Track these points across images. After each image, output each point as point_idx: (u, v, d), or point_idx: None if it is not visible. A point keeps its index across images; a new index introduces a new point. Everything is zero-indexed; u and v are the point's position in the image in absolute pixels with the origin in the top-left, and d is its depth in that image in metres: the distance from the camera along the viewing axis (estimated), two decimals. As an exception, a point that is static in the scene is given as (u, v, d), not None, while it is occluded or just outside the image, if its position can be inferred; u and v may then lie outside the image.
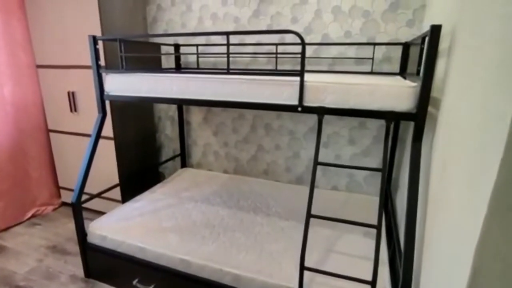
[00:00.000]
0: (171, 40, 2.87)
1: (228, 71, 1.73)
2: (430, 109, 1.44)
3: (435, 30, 1.28)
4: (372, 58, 2.31)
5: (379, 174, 2.55)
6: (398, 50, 2.28)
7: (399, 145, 2.47)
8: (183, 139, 3.10)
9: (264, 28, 2.60)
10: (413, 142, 1.44)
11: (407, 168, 1.58)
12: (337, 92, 1.53)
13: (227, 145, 3.01)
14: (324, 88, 1.54)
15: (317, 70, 2.49)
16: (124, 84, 1.99)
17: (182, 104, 2.96)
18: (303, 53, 1.54)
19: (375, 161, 2.54)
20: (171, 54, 2.80)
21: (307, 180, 2.80)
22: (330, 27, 2.42)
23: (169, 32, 2.92)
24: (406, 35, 2.25)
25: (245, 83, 1.68)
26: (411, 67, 1.81)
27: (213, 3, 2.71)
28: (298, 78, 1.56)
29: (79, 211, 2.02)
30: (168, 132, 3.23)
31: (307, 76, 1.60)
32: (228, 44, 1.71)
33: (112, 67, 2.42)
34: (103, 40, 2.29)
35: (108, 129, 2.59)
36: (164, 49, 2.86)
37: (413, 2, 2.18)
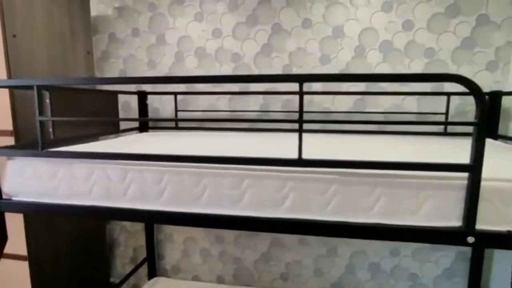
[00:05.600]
0: (132, 86, 1.88)
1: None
2: None
3: None
4: (446, 113, 1.61)
5: (455, 275, 1.76)
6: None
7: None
8: (151, 233, 2.00)
9: (278, 72, 1.78)
10: None
11: None
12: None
13: (221, 239, 1.99)
14: None
15: (360, 131, 1.70)
16: (47, 182, 0.94)
17: (148, 222, 1.93)
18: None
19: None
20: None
21: (348, 287, 1.89)
22: (378, 70, 1.69)
23: (129, 74, 1.95)
24: (488, 81, 1.61)
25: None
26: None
27: (199, 34, 1.84)
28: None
29: None
30: (126, 222, 2.10)
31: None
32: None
33: (27, 143, 1.35)
34: (10, 88, 1.24)
35: (17, 243, 1.44)
36: (121, 99, 1.85)
37: (494, 39, 1.57)
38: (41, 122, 0.92)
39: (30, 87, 0.92)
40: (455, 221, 0.78)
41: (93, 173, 0.94)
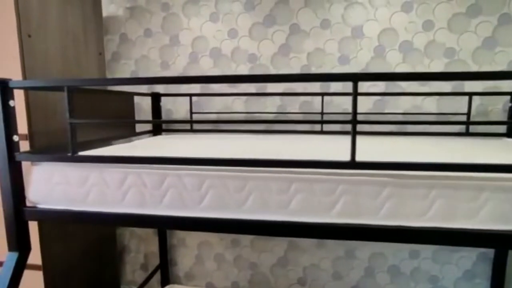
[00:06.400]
0: (144, 88, 1.83)
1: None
2: None
3: None
4: (468, 114, 1.60)
5: (476, 277, 1.74)
6: (499, 101, 1.62)
7: None
8: (164, 238, 1.95)
9: (297, 71, 1.75)
10: None
11: None
12: None
13: (238, 243, 1.95)
14: None
15: (379, 132, 1.68)
16: (76, 188, 0.89)
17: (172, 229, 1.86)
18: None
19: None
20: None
21: (368, 290, 1.86)
22: (398, 70, 1.68)
23: (141, 76, 1.89)
24: (509, 81, 1.60)
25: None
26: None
27: (214, 34, 1.80)
28: None
29: None
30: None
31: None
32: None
33: (43, 147, 1.29)
34: (27, 89, 1.19)
35: (32, 252, 1.37)
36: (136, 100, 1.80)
37: (515, 38, 1.57)
38: (72, 125, 0.87)
39: (60, 88, 0.86)
40: (514, 224, 0.75)
41: (127, 179, 0.89)
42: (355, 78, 0.75)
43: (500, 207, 0.75)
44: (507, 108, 1.59)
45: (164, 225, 0.94)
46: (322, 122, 0.85)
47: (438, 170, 0.75)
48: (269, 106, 1.80)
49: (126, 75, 1.90)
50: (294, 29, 1.72)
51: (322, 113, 1.70)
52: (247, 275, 1.98)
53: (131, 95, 1.62)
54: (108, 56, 1.89)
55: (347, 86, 1.70)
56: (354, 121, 0.75)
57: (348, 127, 1.66)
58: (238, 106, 1.83)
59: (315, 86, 1.72)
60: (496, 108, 1.63)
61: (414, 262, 1.82)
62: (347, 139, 1.31)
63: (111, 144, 1.49)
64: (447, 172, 0.75)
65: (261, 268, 1.95)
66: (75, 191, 0.91)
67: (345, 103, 1.73)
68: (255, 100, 1.81)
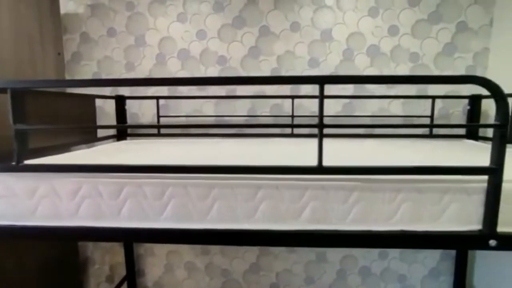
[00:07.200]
0: (107, 90, 1.74)
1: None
2: None
3: None
4: (432, 116, 1.65)
5: (441, 274, 1.81)
6: (459, 104, 1.69)
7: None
8: (130, 248, 1.85)
9: (267, 74, 1.73)
10: None
11: None
12: None
13: (208, 250, 1.89)
14: None
15: (347, 134, 1.69)
16: (23, 201, 0.81)
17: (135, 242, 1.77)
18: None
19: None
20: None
21: (340, 292, 1.87)
22: (366, 74, 1.71)
23: (104, 77, 1.79)
24: (468, 86, 1.68)
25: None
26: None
27: (182, 35, 1.74)
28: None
29: None
30: (101, 238, 1.92)
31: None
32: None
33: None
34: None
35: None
36: (96, 103, 1.69)
37: (472, 45, 1.65)
38: (18, 132, 0.78)
39: (3, 90, 0.77)
40: (476, 224, 0.77)
41: (81, 189, 0.81)
42: (321, 80, 0.74)
43: (462, 209, 0.76)
44: (466, 111, 1.66)
45: (123, 238, 0.87)
46: (290, 126, 0.83)
47: (404, 174, 0.75)
48: (240, 109, 1.76)
49: (88, 76, 1.80)
50: (264, 31, 1.71)
51: (292, 116, 1.69)
52: (219, 282, 1.92)
53: (93, 98, 1.53)
54: (67, 56, 1.77)
55: (317, 89, 1.70)
56: (320, 125, 0.74)
57: (313, 130, 1.68)
58: (207, 109, 1.78)
59: (286, 89, 1.71)
60: (456, 111, 1.70)
61: (384, 262, 1.85)
62: (315, 142, 1.30)
63: (70, 151, 1.39)
64: (413, 175, 0.75)
65: (233, 275, 1.91)
66: (22, 204, 0.82)
67: (315, 106, 1.73)
68: (225, 103, 1.77)
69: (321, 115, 0.74)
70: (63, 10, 1.72)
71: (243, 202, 0.78)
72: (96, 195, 0.81)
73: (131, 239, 0.92)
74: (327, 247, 1.79)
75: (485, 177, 0.75)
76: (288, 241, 0.79)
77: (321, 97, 0.73)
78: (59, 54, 1.64)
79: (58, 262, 1.67)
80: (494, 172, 0.72)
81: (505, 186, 0.73)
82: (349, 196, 0.76)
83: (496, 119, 0.72)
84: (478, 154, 1.15)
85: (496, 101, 0.71)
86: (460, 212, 0.76)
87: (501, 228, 0.75)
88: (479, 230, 0.76)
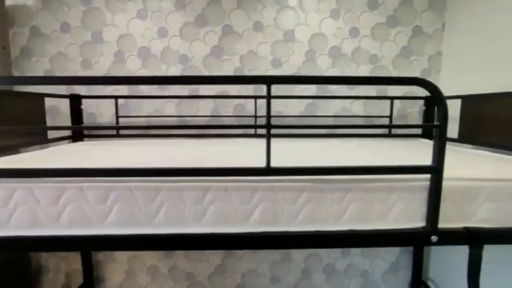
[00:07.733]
0: (62, 89, 1.64)
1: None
2: None
3: None
4: (390, 116, 1.71)
5: (399, 268, 1.87)
6: (416, 105, 1.76)
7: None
8: (88, 254, 1.76)
9: (230, 74, 1.71)
10: None
11: None
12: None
13: (171, 254, 1.84)
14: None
15: (310, 134, 1.71)
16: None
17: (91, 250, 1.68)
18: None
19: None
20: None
21: (305, 291, 1.89)
22: (328, 74, 1.73)
23: (57, 75, 1.69)
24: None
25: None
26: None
27: (142, 32, 1.68)
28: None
29: None
30: (56, 245, 1.81)
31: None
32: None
33: None
34: None
35: None
36: (48, 103, 1.59)
37: (427, 48, 1.72)
38: None
39: None
40: (420, 222, 0.79)
41: (13, 195, 0.75)
42: (268, 81, 0.73)
43: (407, 207, 0.78)
44: (422, 111, 1.73)
45: (63, 247, 0.81)
46: (241, 127, 0.82)
47: (350, 174, 0.75)
48: (202, 109, 1.73)
49: (39, 73, 1.68)
50: (227, 31, 1.68)
51: (255, 116, 1.68)
52: (183, 286, 1.88)
53: (41, 96, 1.43)
54: (15, 51, 1.65)
55: (280, 89, 1.70)
56: (268, 126, 0.73)
57: (279, 130, 1.69)
58: (169, 109, 1.73)
59: (249, 89, 1.70)
60: (413, 111, 1.77)
61: (347, 259, 1.89)
62: (279, 142, 1.30)
63: (19, 152, 1.30)
64: (360, 175, 0.76)
65: (198, 278, 1.87)
66: None
67: (280, 106, 1.74)
68: (188, 103, 1.73)
69: (268, 116, 0.73)
70: (9, 1, 1.60)
71: (191, 205, 0.75)
72: (32, 201, 0.75)
73: (70, 248, 0.86)
74: (277, 249, 1.80)
75: (429, 176, 0.77)
76: (238, 244, 0.77)
77: (268, 97, 0.72)
78: (4, 48, 1.52)
79: (7, 274, 1.56)
80: (435, 170, 0.75)
81: (445, 184, 0.76)
82: (299, 197, 0.76)
83: (436, 120, 0.74)
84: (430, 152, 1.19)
85: (436, 102, 0.73)
86: (405, 210, 0.78)
87: (442, 224, 0.77)
88: (423, 227, 0.79)
